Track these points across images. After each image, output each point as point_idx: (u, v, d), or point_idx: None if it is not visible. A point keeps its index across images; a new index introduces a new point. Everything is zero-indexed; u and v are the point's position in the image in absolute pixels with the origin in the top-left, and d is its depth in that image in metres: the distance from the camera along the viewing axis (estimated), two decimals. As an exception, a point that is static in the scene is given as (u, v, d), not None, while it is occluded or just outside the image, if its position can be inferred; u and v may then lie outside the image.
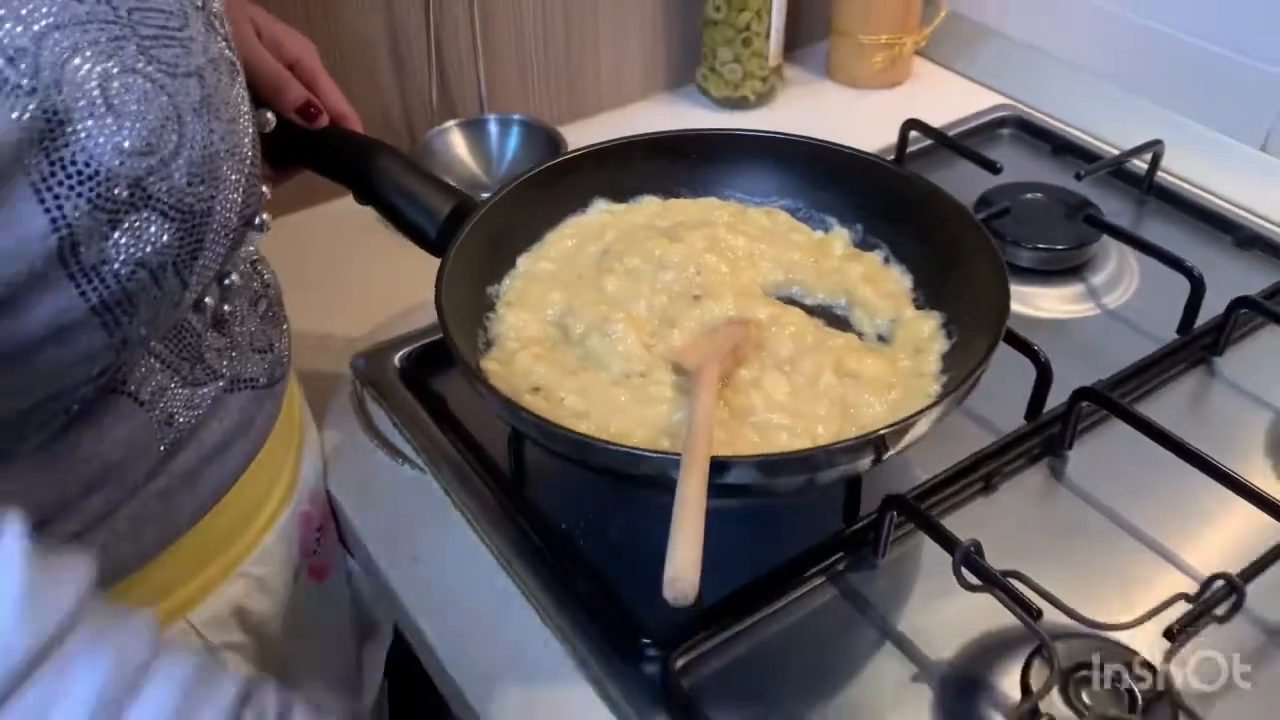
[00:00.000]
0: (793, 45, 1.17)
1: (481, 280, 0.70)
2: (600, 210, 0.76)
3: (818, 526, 0.65)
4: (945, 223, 0.70)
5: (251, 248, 0.60)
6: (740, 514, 0.68)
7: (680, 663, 0.58)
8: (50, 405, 0.44)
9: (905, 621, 0.62)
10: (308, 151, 0.70)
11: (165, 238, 0.41)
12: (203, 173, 0.41)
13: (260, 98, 0.65)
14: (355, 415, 0.75)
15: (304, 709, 0.42)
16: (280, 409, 0.62)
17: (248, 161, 0.45)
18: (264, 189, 0.52)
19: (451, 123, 0.96)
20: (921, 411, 0.56)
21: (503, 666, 0.60)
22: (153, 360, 0.49)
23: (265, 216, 0.52)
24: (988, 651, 0.60)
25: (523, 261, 0.73)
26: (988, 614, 0.59)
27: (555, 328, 0.69)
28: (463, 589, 0.64)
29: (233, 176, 0.44)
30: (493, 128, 0.97)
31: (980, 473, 0.69)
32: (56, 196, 0.37)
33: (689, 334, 0.67)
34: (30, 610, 0.34)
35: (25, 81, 0.35)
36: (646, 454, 0.54)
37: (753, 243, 0.74)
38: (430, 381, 0.77)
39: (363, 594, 0.72)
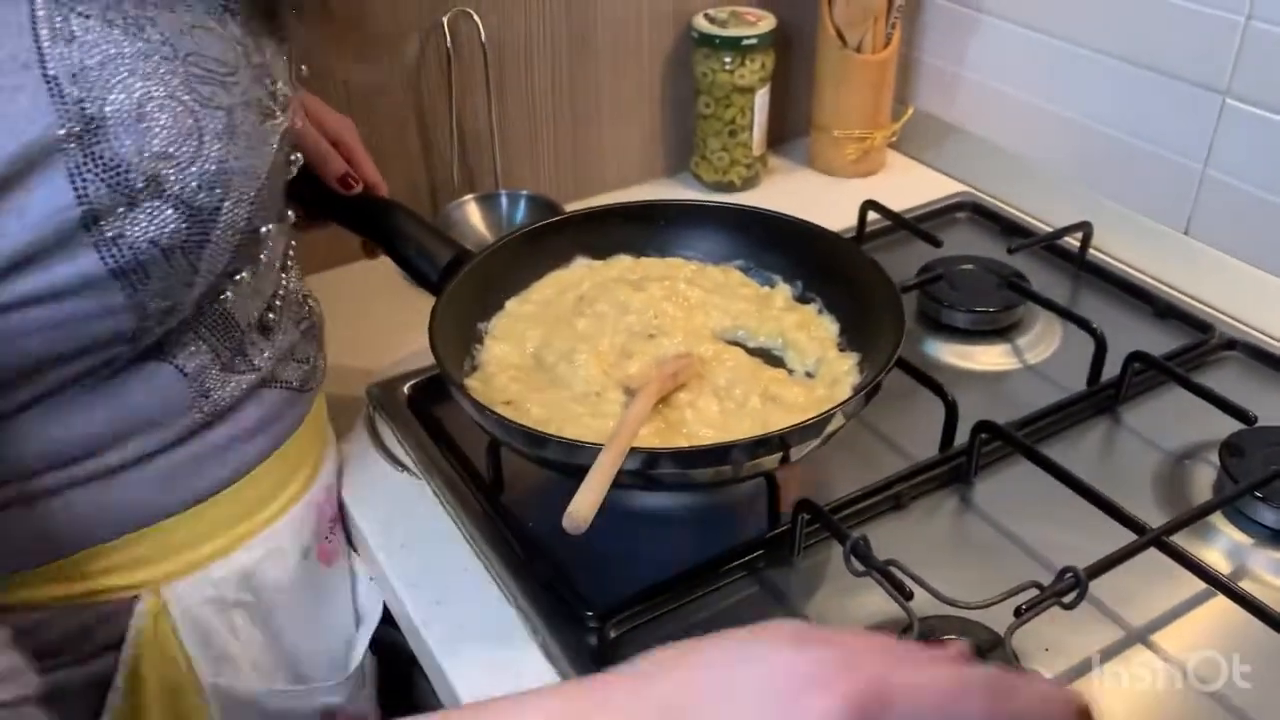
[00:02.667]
0: (779, 138, 1.32)
1: (473, 317, 0.84)
2: (580, 265, 0.90)
3: (744, 529, 0.77)
4: (865, 279, 0.82)
5: (299, 283, 0.73)
6: (677, 515, 0.80)
7: (614, 634, 0.70)
8: (80, 358, 0.55)
9: (812, 609, 0.73)
10: (341, 209, 0.85)
11: (173, 225, 0.52)
12: (215, 182, 0.53)
13: (307, 167, 0.80)
14: (367, 432, 0.89)
15: None
16: (309, 414, 0.74)
17: (260, 180, 0.57)
18: (290, 213, 0.65)
19: (469, 196, 1.11)
20: (816, 417, 0.68)
21: (467, 632, 0.72)
22: (200, 343, 0.61)
23: (271, 227, 0.64)
24: (874, 630, 0.70)
25: (510, 304, 0.86)
26: (881, 604, 0.69)
27: (532, 358, 0.82)
28: (440, 569, 0.76)
29: (243, 190, 0.56)
30: (504, 201, 1.12)
31: (892, 491, 0.80)
32: (84, 179, 0.49)
33: (643, 365, 0.80)
34: None
35: (75, 93, 0.48)
36: (581, 444, 0.66)
37: (707, 294, 0.87)
38: (431, 408, 0.90)
39: (358, 585, 0.83)
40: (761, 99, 1.18)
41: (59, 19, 0.49)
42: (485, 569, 0.76)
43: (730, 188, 1.23)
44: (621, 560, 0.76)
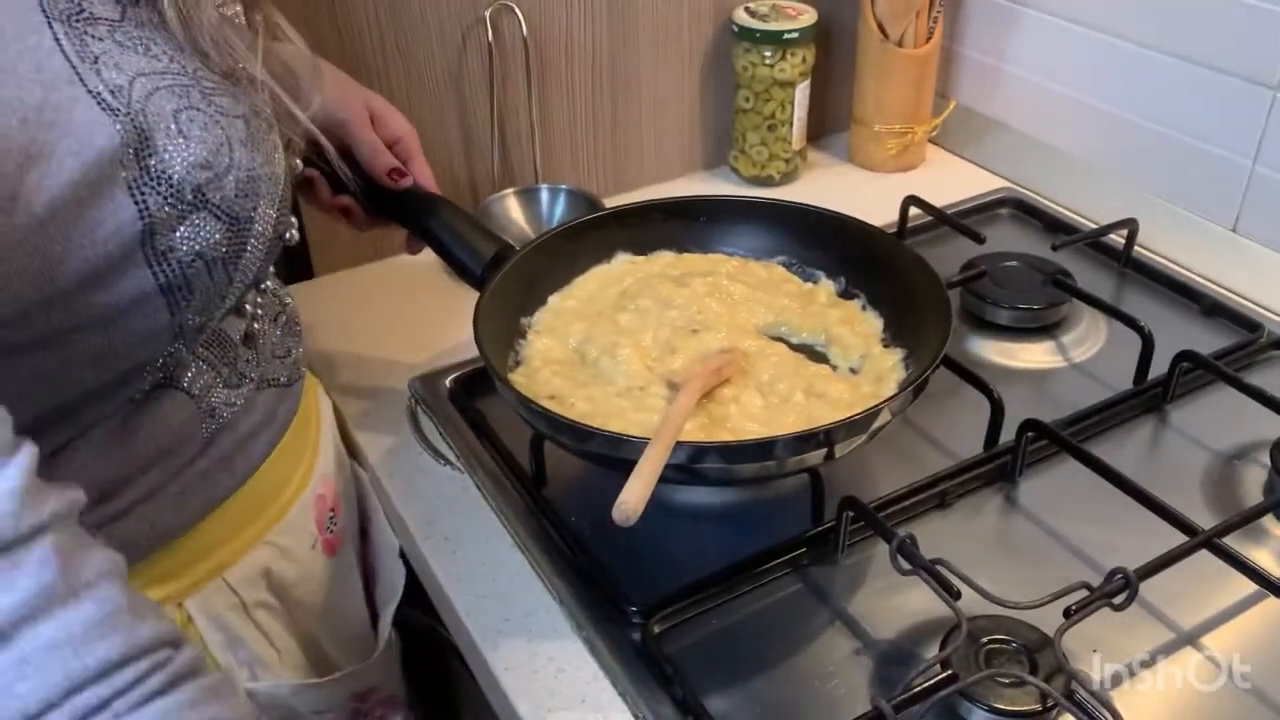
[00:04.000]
0: (820, 132, 1.31)
1: (517, 312, 0.84)
2: (622, 260, 0.90)
3: (788, 526, 0.76)
4: (910, 274, 0.82)
5: (270, 283, 0.72)
6: (720, 512, 0.80)
7: (658, 629, 0.70)
8: (118, 390, 0.55)
9: (855, 608, 0.73)
10: (391, 204, 0.86)
11: (217, 235, 0.53)
12: (247, 189, 0.54)
13: (361, 161, 0.80)
14: (409, 425, 0.89)
15: (205, 685, 0.43)
16: (298, 406, 0.74)
17: (280, 186, 0.57)
18: (294, 220, 0.65)
19: (509, 190, 1.11)
20: (863, 412, 0.67)
21: (511, 626, 0.72)
22: (201, 364, 0.61)
23: (293, 232, 0.64)
24: (920, 630, 0.70)
25: (553, 299, 0.86)
26: (926, 602, 0.69)
27: (575, 353, 0.82)
28: (484, 563, 0.76)
29: (269, 195, 0.56)
30: (544, 195, 1.12)
31: (936, 490, 0.79)
32: (142, 193, 0.49)
33: (686, 359, 0.80)
34: (17, 504, 0.40)
35: (122, 108, 0.48)
36: (625, 438, 0.66)
37: (750, 290, 0.87)
38: (473, 401, 0.90)
39: (382, 566, 0.83)
40: (802, 93, 1.18)
41: (78, 42, 0.49)
42: (528, 563, 0.76)
43: (769, 182, 1.22)
44: (664, 556, 0.76)
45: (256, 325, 0.67)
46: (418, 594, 0.81)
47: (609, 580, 0.73)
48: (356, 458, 0.87)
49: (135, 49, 0.50)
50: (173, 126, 0.50)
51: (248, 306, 0.65)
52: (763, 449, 0.67)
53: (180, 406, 0.60)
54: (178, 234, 0.51)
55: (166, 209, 0.50)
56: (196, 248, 0.52)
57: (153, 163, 0.49)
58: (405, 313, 1.03)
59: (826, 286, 0.88)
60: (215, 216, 0.52)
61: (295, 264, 1.08)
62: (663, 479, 0.67)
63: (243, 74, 0.56)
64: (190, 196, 0.51)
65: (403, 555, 0.81)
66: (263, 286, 0.68)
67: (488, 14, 1.04)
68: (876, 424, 0.70)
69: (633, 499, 0.59)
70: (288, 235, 0.61)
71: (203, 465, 0.63)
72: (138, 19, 0.51)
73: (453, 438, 0.87)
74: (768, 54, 1.14)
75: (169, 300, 0.52)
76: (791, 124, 1.19)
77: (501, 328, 0.81)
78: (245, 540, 0.68)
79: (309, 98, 0.63)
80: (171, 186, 0.50)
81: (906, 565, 0.68)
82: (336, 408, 0.91)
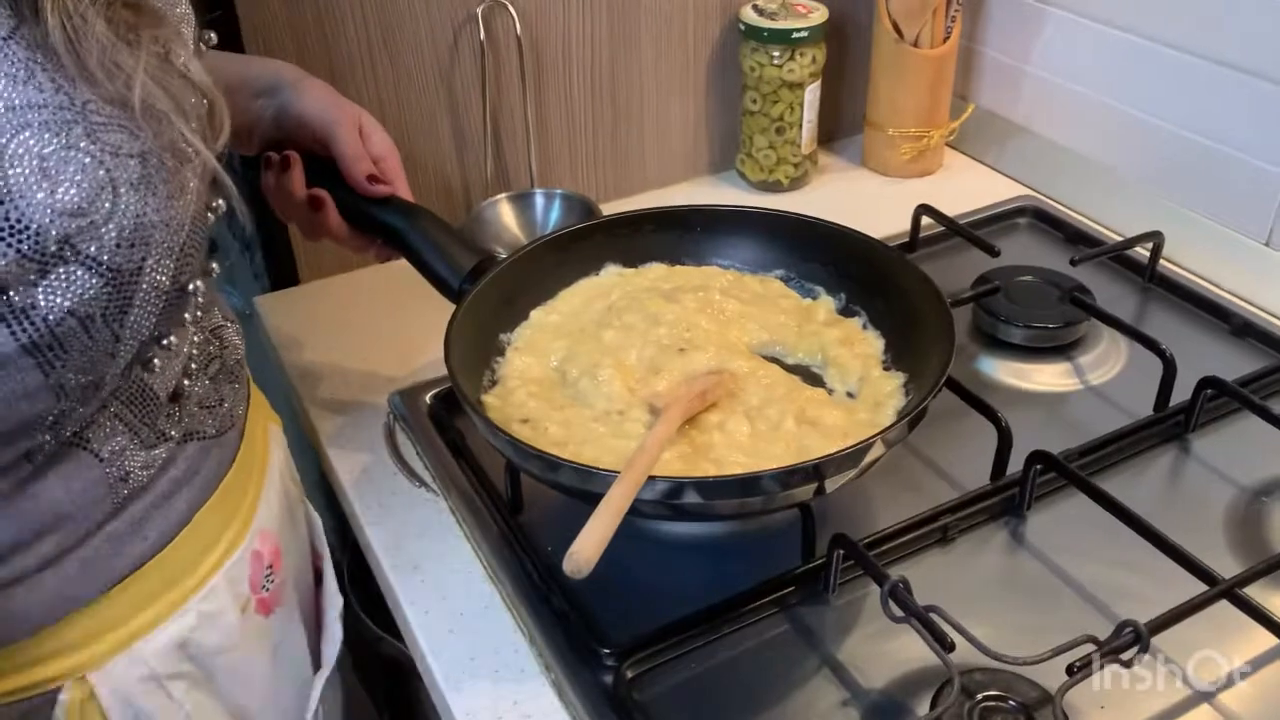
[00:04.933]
0: (831, 135, 1.26)
1: (495, 327, 0.80)
2: (611, 272, 0.85)
3: (777, 561, 0.71)
4: (913, 292, 0.77)
5: (215, 316, 0.65)
6: (705, 543, 0.75)
7: (631, 673, 0.65)
8: (7, 450, 0.49)
9: (845, 653, 0.68)
10: (361, 213, 0.81)
11: (92, 290, 0.46)
12: (133, 238, 0.47)
13: (341, 165, 0.76)
14: (385, 443, 0.85)
15: None
16: (233, 457, 0.65)
17: (182, 234, 0.51)
18: (214, 265, 0.59)
19: (502, 195, 1.06)
20: (853, 446, 0.62)
21: (477, 665, 0.68)
22: (116, 422, 0.55)
23: (200, 284, 0.56)
24: (913, 680, 0.65)
25: (535, 313, 0.82)
26: (921, 649, 0.63)
27: (555, 372, 0.77)
28: (453, 594, 0.72)
29: (166, 245, 0.49)
30: (539, 200, 1.07)
31: (938, 524, 0.74)
32: None
33: (672, 381, 0.75)
34: None
35: None
36: (594, 470, 0.62)
37: (744, 306, 0.82)
38: (453, 419, 0.86)
39: (326, 623, 0.76)
40: (811, 95, 1.13)
41: None
42: (499, 596, 0.72)
43: (777, 187, 1.17)
44: (643, 590, 0.72)
45: (187, 381, 0.60)
46: (388, 617, 0.77)
47: (581, 617, 0.68)
48: (328, 476, 0.84)
49: (14, 75, 0.44)
50: (35, 169, 0.44)
51: (176, 361, 0.59)
52: (744, 485, 0.63)
53: (85, 469, 0.54)
54: (39, 289, 0.45)
55: (22, 264, 0.44)
56: (66, 304, 0.46)
57: (5, 210, 0.43)
58: (392, 322, 0.99)
59: (826, 303, 0.83)
60: (89, 269, 0.46)
61: (280, 270, 1.04)
62: (639, 513, 0.63)
63: (140, 104, 0.49)
64: (54, 248, 0.45)
65: (349, 606, 0.76)
66: (193, 336, 0.62)
67: (480, 11, 1.00)
68: (870, 457, 0.65)
69: (586, 549, 0.55)
70: (190, 286, 0.54)
71: (110, 530, 0.57)
72: (30, 38, 0.45)
73: (429, 458, 0.83)
74: (776, 54, 1.09)
75: (38, 361, 0.47)
76: (801, 127, 1.14)
77: (478, 345, 0.77)
78: (160, 609, 0.60)
79: (219, 127, 0.56)
80: (28, 237, 0.44)
81: (898, 612, 0.63)
82: (311, 425, 0.88)
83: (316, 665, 0.75)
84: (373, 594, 0.82)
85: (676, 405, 0.69)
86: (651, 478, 0.60)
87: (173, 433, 0.59)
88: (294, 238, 1.03)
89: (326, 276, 1.06)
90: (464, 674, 0.67)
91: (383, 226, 0.80)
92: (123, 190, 0.47)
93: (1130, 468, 0.81)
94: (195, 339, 0.62)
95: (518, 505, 0.77)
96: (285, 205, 0.76)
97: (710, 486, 0.63)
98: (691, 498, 0.62)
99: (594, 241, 0.85)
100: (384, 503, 0.80)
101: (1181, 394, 0.83)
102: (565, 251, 0.84)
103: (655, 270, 0.86)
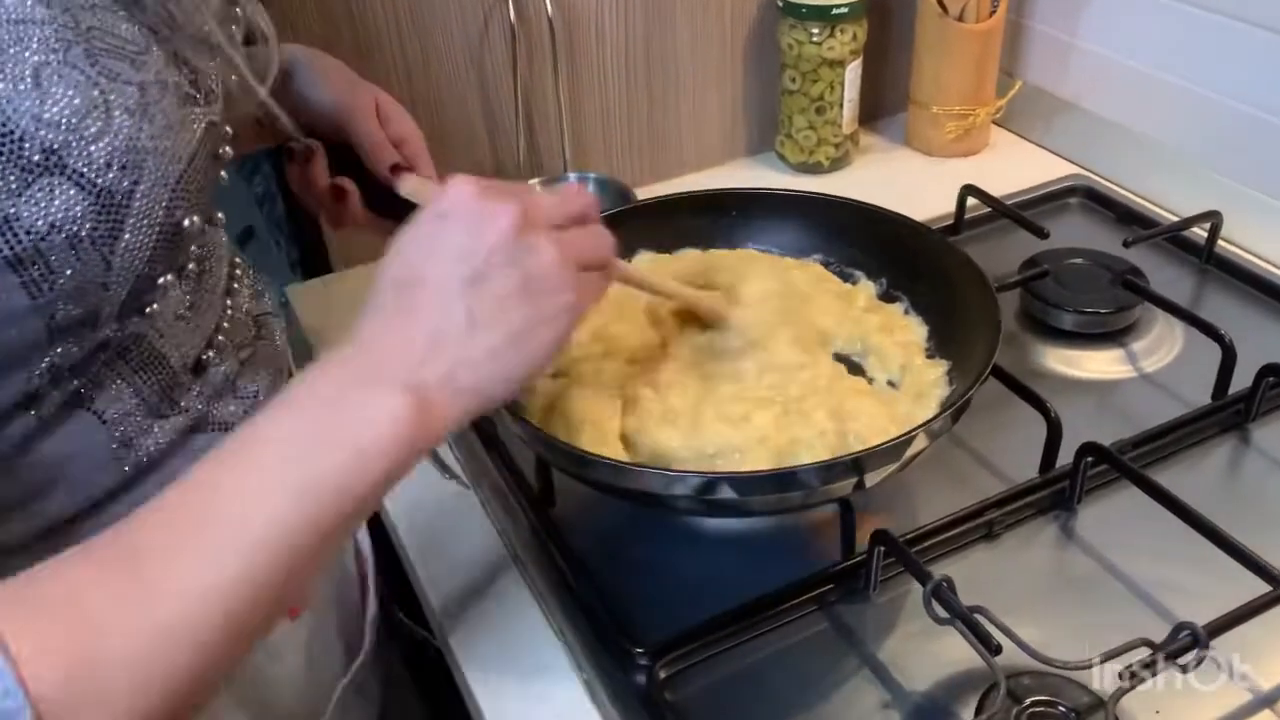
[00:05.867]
0: (875, 114, 1.22)
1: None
2: (644, 259, 0.83)
3: (815, 558, 0.69)
4: (957, 277, 0.74)
5: (264, 303, 0.64)
6: (741, 540, 0.73)
7: (665, 674, 0.63)
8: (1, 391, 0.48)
9: (886, 653, 0.65)
10: (392, 202, 0.80)
11: (79, 209, 0.45)
12: (125, 160, 0.46)
13: (363, 154, 0.74)
14: (415, 435, 0.83)
15: None
16: None
17: (179, 166, 0.49)
18: (220, 215, 0.57)
19: (535, 180, 1.05)
20: (894, 439, 0.60)
21: (506, 663, 0.66)
22: (121, 383, 0.53)
23: (195, 220, 0.53)
24: (956, 684, 0.62)
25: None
26: (967, 650, 0.61)
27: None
28: (483, 590, 0.71)
29: (160, 174, 0.48)
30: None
31: (984, 519, 0.71)
32: None
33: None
34: None
35: None
36: (629, 467, 0.60)
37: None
38: (484, 409, 0.84)
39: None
40: (852, 73, 1.09)
41: None
42: (530, 593, 0.70)
43: (817, 169, 1.14)
44: (678, 586, 0.70)
45: (212, 353, 0.59)
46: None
47: (613, 615, 0.66)
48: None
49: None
50: (28, 78, 0.44)
51: (192, 331, 0.57)
52: (781, 480, 0.60)
53: (87, 430, 0.53)
54: (23, 199, 0.44)
55: (5, 167, 0.43)
56: (51, 217, 0.45)
57: None
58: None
59: (866, 288, 0.80)
60: (76, 185, 0.45)
61: (313, 259, 1.03)
62: (674, 509, 0.61)
63: (170, 53, 0.50)
64: (38, 158, 0.44)
65: (384, 602, 0.75)
66: (227, 309, 0.60)
67: (510, -9, 0.98)
68: (911, 452, 0.62)
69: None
70: (186, 223, 0.51)
71: (119, 510, 0.54)
72: None
73: (460, 449, 0.81)
74: (815, 31, 1.06)
75: (22, 278, 0.45)
76: (841, 106, 1.10)
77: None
78: None
79: (266, 69, 0.56)
80: (13, 141, 0.43)
81: (942, 613, 0.61)
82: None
83: (355, 651, 0.73)
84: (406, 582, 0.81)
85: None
86: (684, 473, 0.58)
87: (186, 404, 0.57)
88: (325, 226, 1.01)
89: (359, 264, 1.04)
90: (493, 672, 0.66)
91: (406, 216, 0.79)
92: (116, 113, 0.46)
93: (1186, 459, 0.77)
94: (228, 310, 0.60)
95: (549, 498, 0.75)
96: (309, 195, 0.75)
97: (746, 482, 0.60)
98: (726, 493, 0.60)
99: (626, 227, 0.82)
100: (413, 496, 0.78)
101: (1240, 381, 0.79)
102: (597, 238, 0.82)
103: (689, 256, 0.83)
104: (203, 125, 0.52)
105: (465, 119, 1.02)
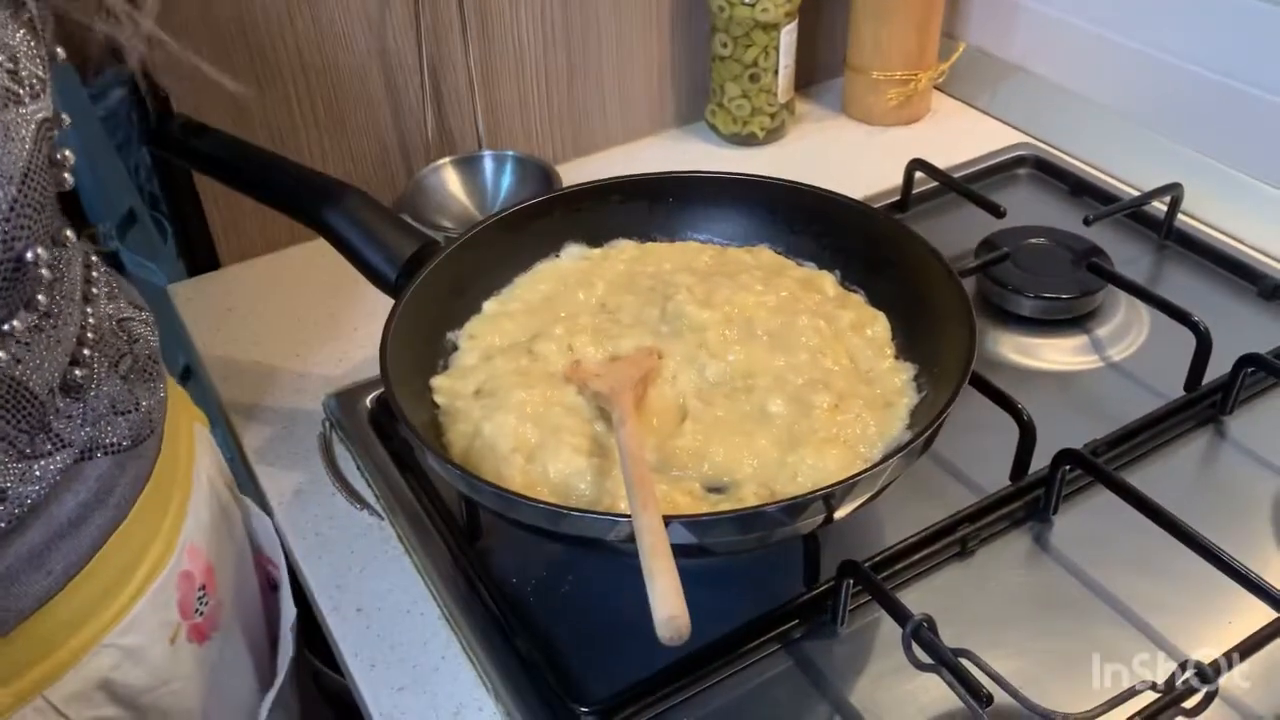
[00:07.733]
0: (809, 80, 1.15)
1: (442, 325, 0.69)
2: (573, 253, 0.75)
3: (776, 590, 0.62)
4: (919, 268, 0.67)
5: (121, 305, 0.56)
6: (693, 573, 0.65)
7: (614, 733, 0.56)
8: None
9: (858, 695, 0.59)
10: (261, 184, 0.70)
11: None
12: None
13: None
14: (321, 457, 0.74)
15: None
16: (151, 467, 0.57)
17: (13, 186, 0.41)
18: (68, 231, 0.48)
19: (446, 159, 0.95)
20: (860, 473, 0.53)
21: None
22: None
23: (40, 253, 0.44)
24: (942, 731, 0.56)
25: (488, 305, 0.71)
26: (943, 689, 0.55)
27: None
28: (404, 641, 0.62)
29: None
30: (488, 164, 0.96)
31: (956, 535, 0.65)
32: None
33: (596, 363, 0.66)
34: None
35: None
36: (565, 511, 0.52)
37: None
38: (398, 427, 0.75)
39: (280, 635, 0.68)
40: (787, 37, 1.01)
41: None
42: (458, 641, 0.62)
43: (751, 140, 1.06)
44: (622, 630, 0.62)
45: (80, 371, 0.50)
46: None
47: (553, 667, 0.59)
48: (260, 497, 0.73)
49: None
50: None
51: (55, 349, 0.48)
52: (743, 521, 0.53)
53: None
54: None
55: None
56: None
57: None
58: (326, 310, 0.88)
59: (827, 278, 0.73)
60: None
61: (197, 253, 0.92)
62: (616, 551, 0.53)
63: None
64: None
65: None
66: (88, 315, 0.52)
67: (411, -50, 0.87)
68: (883, 482, 0.56)
69: (676, 606, 0.46)
70: (29, 255, 0.43)
71: (3, 565, 0.47)
72: None
73: (372, 474, 0.72)
74: (747, -9, 0.97)
75: None
76: (776, 73, 1.03)
77: (421, 347, 0.66)
78: (74, 649, 0.52)
79: None
80: None
81: (925, 658, 0.54)
82: (236, 437, 0.77)
83: (269, 683, 0.65)
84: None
85: (624, 395, 0.60)
86: (626, 516, 0.51)
87: (70, 438, 0.49)
88: (211, 215, 0.91)
89: (249, 259, 0.94)
90: (418, 738, 0.58)
91: (299, 206, 0.69)
92: None
93: (1162, 457, 0.72)
94: (89, 319, 0.52)
95: (475, 531, 0.67)
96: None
97: (704, 525, 0.53)
98: (683, 537, 0.53)
99: (553, 218, 0.74)
100: (320, 531, 0.69)
101: (1213, 369, 0.74)
102: (519, 232, 0.73)
103: (625, 250, 0.75)
104: (32, 127, 0.43)
105: (366, 96, 0.92)
